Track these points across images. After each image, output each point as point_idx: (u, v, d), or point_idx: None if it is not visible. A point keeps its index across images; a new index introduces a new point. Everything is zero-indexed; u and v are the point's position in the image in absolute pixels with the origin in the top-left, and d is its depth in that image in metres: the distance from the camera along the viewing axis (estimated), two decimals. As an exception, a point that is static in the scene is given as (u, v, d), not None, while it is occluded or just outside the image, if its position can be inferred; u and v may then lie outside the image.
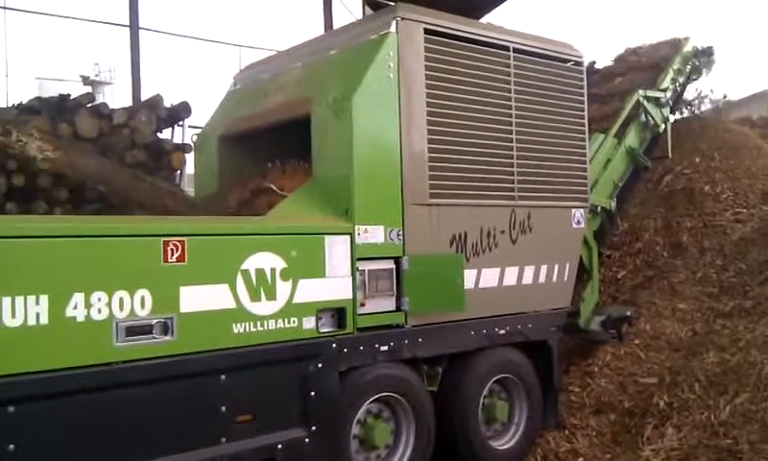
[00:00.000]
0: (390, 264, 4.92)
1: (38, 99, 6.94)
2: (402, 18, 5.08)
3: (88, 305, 3.66)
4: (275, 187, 5.20)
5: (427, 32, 5.20)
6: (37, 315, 3.51)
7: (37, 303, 3.51)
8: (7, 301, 3.43)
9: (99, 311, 3.69)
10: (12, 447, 3.41)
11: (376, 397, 4.82)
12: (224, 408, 4.10)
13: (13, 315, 3.45)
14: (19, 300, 3.46)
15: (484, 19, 12.06)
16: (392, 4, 5.48)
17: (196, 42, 12.94)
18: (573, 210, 6.14)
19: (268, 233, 4.44)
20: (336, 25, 12.64)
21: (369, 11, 6.22)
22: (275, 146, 5.72)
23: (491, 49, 5.59)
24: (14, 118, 6.18)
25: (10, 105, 7.26)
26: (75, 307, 3.62)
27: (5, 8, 11.45)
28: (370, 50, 5.03)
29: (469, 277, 5.25)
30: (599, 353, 6.76)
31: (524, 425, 5.72)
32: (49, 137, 5.07)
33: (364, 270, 4.76)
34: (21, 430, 3.46)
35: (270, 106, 5.74)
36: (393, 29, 5.03)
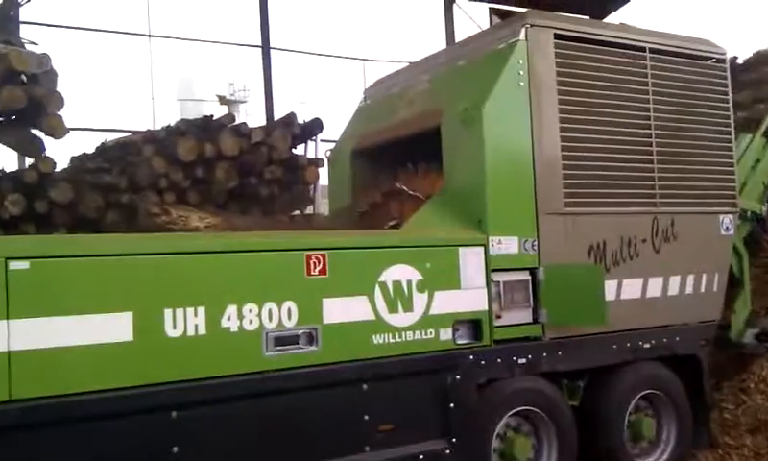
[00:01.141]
0: (525, 275, 4.87)
1: (184, 121, 7.39)
2: (532, 25, 5.04)
3: (241, 317, 3.87)
4: (407, 188, 5.29)
5: (558, 37, 5.13)
6: (196, 326, 3.75)
7: (196, 314, 3.75)
8: (168, 312, 3.70)
9: (250, 322, 3.90)
10: (175, 449, 3.66)
11: (516, 410, 4.77)
12: (366, 417, 4.21)
13: (174, 326, 3.70)
14: (179, 312, 3.72)
15: (615, 19, 11.66)
16: (521, 10, 5.42)
17: (322, 59, 13.36)
18: (721, 216, 5.82)
19: (403, 246, 4.51)
20: (459, 35, 12.66)
21: (496, 20, 6.18)
22: (406, 159, 5.81)
23: (625, 51, 5.45)
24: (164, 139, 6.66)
25: (158, 127, 7.81)
26: (229, 319, 3.84)
27: (150, 35, 12.36)
28: (499, 59, 5.02)
29: (610, 288, 5.09)
30: (754, 368, 6.37)
31: (673, 444, 5.47)
32: (200, 206, 5.50)
33: (499, 281, 4.75)
34: (182, 434, 3.70)
35: (400, 119, 5.83)
36: (522, 36, 4.99)
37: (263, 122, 10.30)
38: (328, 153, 6.71)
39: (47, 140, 5.93)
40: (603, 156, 5.22)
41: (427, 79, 5.80)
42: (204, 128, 6.96)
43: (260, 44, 11.54)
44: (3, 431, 3.31)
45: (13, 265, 3.36)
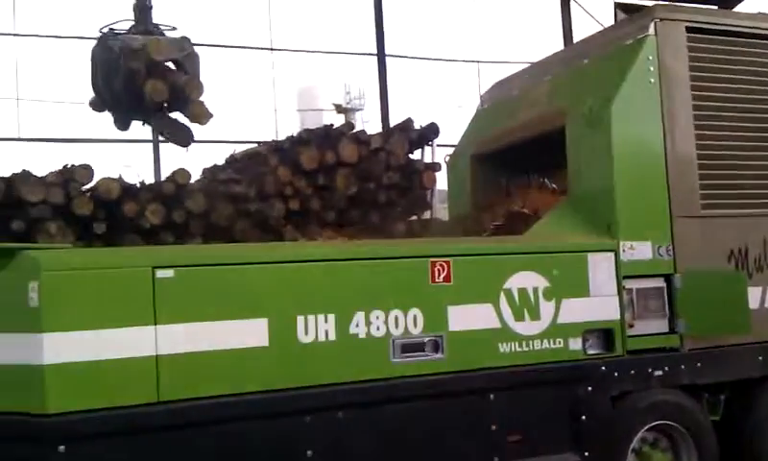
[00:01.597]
0: (660, 282, 4.68)
1: (307, 130, 7.63)
2: (661, 19, 4.87)
3: (368, 323, 3.93)
4: (528, 211, 5.19)
5: (689, 30, 4.94)
6: (326, 332, 3.84)
7: (326, 321, 3.84)
8: (301, 319, 3.80)
9: (378, 329, 3.94)
10: (309, 452, 3.75)
11: (652, 425, 4.56)
12: (494, 427, 4.15)
13: (306, 332, 3.81)
14: (311, 318, 3.82)
15: (747, 8, 10.93)
16: (648, 4, 5.22)
17: (436, 63, 13.43)
18: None
19: (529, 252, 4.43)
20: (576, 33, 12.30)
21: (621, 15, 5.96)
22: (527, 162, 5.70)
23: (763, 41, 5.16)
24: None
25: (282, 137, 8.10)
26: (357, 325, 3.90)
27: (272, 49, 12.87)
28: (627, 55, 4.87)
29: (754, 295, 4.80)
30: None
31: (828, 466, 5.03)
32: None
33: (631, 289, 4.58)
34: (316, 438, 3.79)
35: (521, 122, 5.73)
36: (651, 31, 4.83)
37: (379, 128, 10.45)
38: (447, 157, 6.70)
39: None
40: (743, 154, 4.95)
41: (549, 79, 5.68)
42: (326, 136, 7.16)
43: (376, 52, 11.72)
44: (152, 431, 3.52)
45: (160, 274, 3.57)
